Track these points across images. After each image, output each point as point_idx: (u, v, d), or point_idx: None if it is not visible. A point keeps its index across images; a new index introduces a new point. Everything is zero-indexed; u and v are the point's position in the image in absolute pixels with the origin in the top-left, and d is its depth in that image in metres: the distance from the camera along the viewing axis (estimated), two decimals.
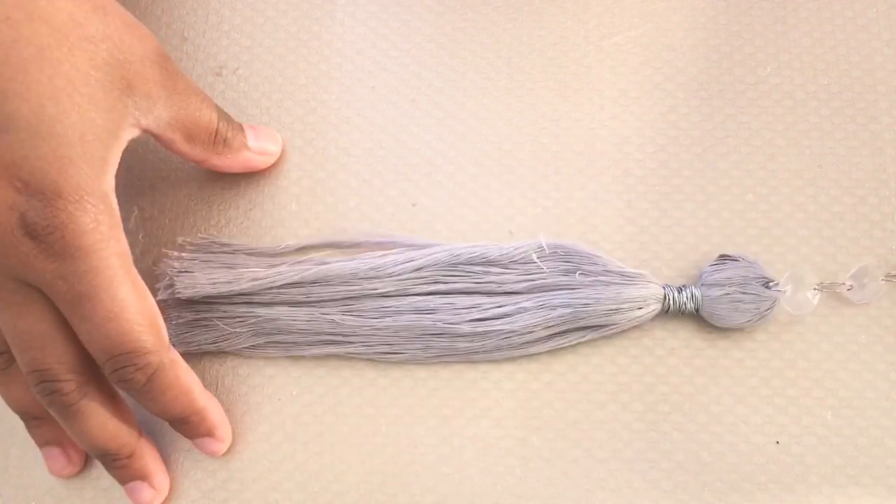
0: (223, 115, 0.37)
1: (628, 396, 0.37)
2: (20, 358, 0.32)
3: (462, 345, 0.36)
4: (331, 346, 0.37)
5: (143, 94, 0.33)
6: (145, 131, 0.34)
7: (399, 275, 0.37)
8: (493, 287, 0.37)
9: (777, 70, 0.41)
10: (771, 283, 0.36)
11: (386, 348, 0.37)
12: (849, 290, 0.37)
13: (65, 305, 0.31)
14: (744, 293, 0.36)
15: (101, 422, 0.33)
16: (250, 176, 0.40)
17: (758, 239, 0.38)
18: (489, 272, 0.37)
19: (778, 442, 0.36)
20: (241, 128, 0.38)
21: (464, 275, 0.37)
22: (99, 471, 0.36)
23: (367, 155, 0.40)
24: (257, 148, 0.38)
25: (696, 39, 0.41)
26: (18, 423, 0.37)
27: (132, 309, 0.31)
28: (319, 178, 0.40)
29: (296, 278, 0.37)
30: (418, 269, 0.37)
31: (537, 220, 0.39)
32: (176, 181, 0.40)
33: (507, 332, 0.36)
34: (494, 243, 0.38)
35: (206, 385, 0.37)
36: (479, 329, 0.36)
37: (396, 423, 0.37)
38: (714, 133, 0.40)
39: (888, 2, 0.41)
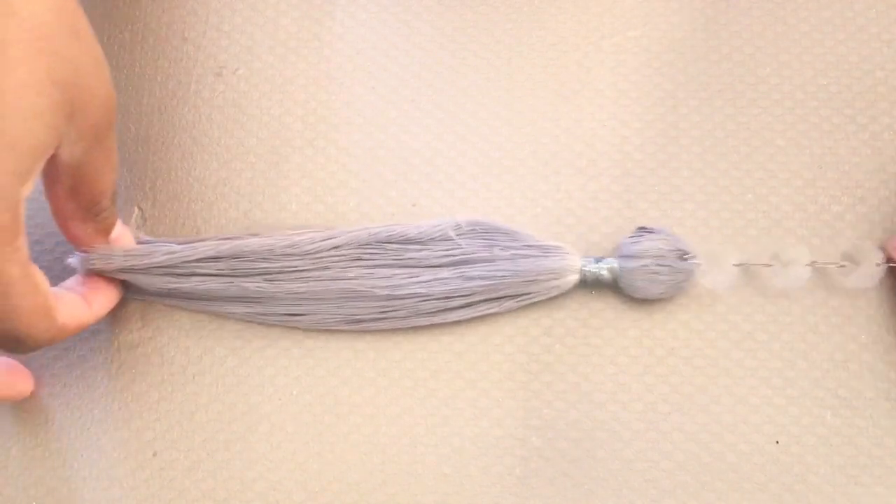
0: (113, 192, 0.35)
1: (628, 396, 0.37)
2: None
3: (377, 304, 0.37)
4: (239, 305, 0.37)
5: (76, 128, 0.32)
6: (50, 160, 0.32)
7: (316, 252, 0.37)
8: (412, 262, 0.37)
9: (777, 70, 0.41)
10: (686, 256, 0.37)
11: (296, 309, 0.37)
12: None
13: None
14: (659, 265, 0.36)
15: None
16: (250, 177, 0.40)
17: (757, 239, 0.38)
18: (408, 249, 0.37)
19: (778, 442, 0.36)
20: (117, 215, 0.36)
21: (383, 251, 0.37)
22: (98, 471, 0.36)
23: (367, 155, 0.40)
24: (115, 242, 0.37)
25: (696, 39, 0.41)
26: (18, 423, 0.37)
27: (25, 309, 0.32)
28: (319, 178, 0.40)
29: (211, 253, 0.37)
30: (336, 248, 0.37)
31: (537, 219, 0.39)
32: (176, 182, 0.40)
33: (424, 296, 0.36)
34: (412, 222, 0.38)
35: (208, 384, 0.37)
36: (396, 292, 0.36)
37: (396, 423, 0.37)
38: (714, 133, 0.40)
39: (888, 2, 0.41)
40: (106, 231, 0.36)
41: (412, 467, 0.36)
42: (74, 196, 0.34)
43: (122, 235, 0.38)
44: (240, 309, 0.37)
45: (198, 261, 0.37)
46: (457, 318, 0.37)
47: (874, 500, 0.35)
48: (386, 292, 0.36)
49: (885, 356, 0.37)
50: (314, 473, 0.36)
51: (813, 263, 0.37)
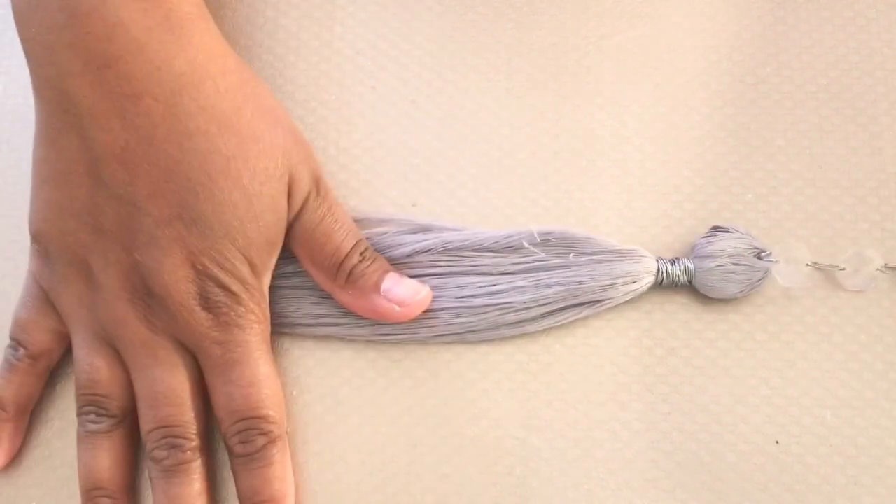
0: (362, 251, 0.36)
1: (628, 396, 0.37)
2: (153, 413, 0.35)
3: (460, 320, 0.36)
4: (331, 328, 0.37)
5: (293, 203, 0.36)
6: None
7: (391, 261, 0.37)
8: (487, 269, 0.37)
9: (777, 70, 0.41)
10: (763, 254, 0.37)
11: (388, 329, 0.37)
12: (842, 270, 0.37)
13: (214, 368, 0.35)
14: (736, 264, 0.36)
15: (199, 490, 0.35)
16: None
17: (757, 238, 0.38)
18: (482, 256, 0.37)
19: (778, 442, 0.36)
20: (381, 270, 0.37)
21: (458, 259, 0.37)
22: None
23: (367, 155, 0.40)
24: (391, 295, 0.36)
25: (696, 39, 0.41)
26: None
27: (270, 383, 0.35)
28: None
29: (289, 269, 0.38)
30: (409, 256, 0.37)
31: (537, 220, 0.39)
32: None
33: (503, 306, 0.36)
34: (485, 231, 0.38)
35: None
36: (476, 303, 0.36)
37: (396, 423, 0.37)
38: (714, 133, 0.40)
39: (888, 2, 0.41)
40: (369, 289, 0.36)
41: (412, 467, 0.36)
42: (317, 266, 0.37)
43: (405, 283, 0.37)
44: (333, 331, 0.37)
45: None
46: (537, 329, 0.37)
47: (874, 500, 0.35)
48: (465, 305, 0.36)
49: (885, 356, 0.37)
50: (314, 473, 0.36)
51: (813, 264, 0.37)
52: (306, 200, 0.36)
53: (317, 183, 0.37)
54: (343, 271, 0.36)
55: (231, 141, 0.34)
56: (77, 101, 0.34)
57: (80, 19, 0.34)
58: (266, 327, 0.36)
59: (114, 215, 0.34)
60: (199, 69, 0.35)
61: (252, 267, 0.35)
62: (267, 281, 0.36)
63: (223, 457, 0.36)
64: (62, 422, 0.37)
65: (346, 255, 0.36)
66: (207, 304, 0.34)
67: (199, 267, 0.34)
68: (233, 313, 0.35)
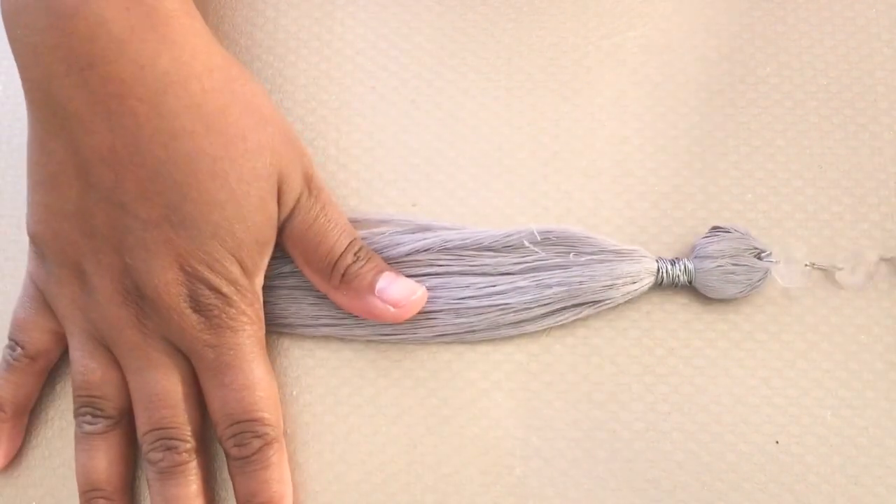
0: (356, 250, 0.36)
1: (628, 396, 0.37)
2: (148, 416, 0.35)
3: (460, 320, 0.36)
4: (330, 329, 0.37)
5: (284, 203, 0.36)
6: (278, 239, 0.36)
7: (389, 260, 0.37)
8: (488, 269, 0.37)
9: (777, 70, 0.41)
10: (763, 254, 0.37)
11: (387, 329, 0.37)
12: (840, 270, 0.37)
13: (207, 372, 0.35)
14: (735, 265, 0.36)
15: (196, 491, 0.35)
16: None
17: (757, 238, 0.38)
18: (483, 255, 0.37)
19: (777, 441, 0.36)
20: (375, 269, 0.36)
21: (458, 258, 0.37)
22: None
23: (367, 155, 0.40)
24: (385, 296, 0.36)
25: (696, 39, 0.41)
26: None
27: (264, 385, 0.35)
28: None
29: (286, 269, 0.37)
30: (408, 255, 0.37)
31: (537, 220, 0.39)
32: None
33: (503, 306, 0.36)
34: (485, 230, 0.38)
35: None
36: (475, 304, 0.36)
37: (396, 423, 0.37)
38: (714, 133, 0.40)
39: (888, 2, 0.41)
40: (363, 289, 0.36)
41: (412, 467, 0.36)
42: (311, 267, 0.36)
43: (399, 282, 0.36)
44: (332, 331, 0.37)
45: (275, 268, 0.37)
46: (537, 329, 0.37)
47: (874, 500, 0.35)
48: (465, 305, 0.36)
49: (885, 356, 0.37)
50: (314, 473, 0.36)
51: (812, 264, 0.37)
52: (298, 200, 0.36)
53: (309, 182, 0.36)
54: (337, 272, 0.36)
55: (217, 141, 0.34)
56: (63, 103, 0.34)
57: (64, 20, 0.33)
58: (259, 328, 0.36)
59: (104, 218, 0.34)
60: (183, 68, 0.34)
61: (243, 268, 0.35)
62: (259, 281, 0.36)
63: (223, 457, 0.36)
64: (62, 422, 0.37)
65: (340, 256, 0.36)
66: (198, 306, 0.34)
67: (189, 269, 0.34)
68: (224, 315, 0.34)
